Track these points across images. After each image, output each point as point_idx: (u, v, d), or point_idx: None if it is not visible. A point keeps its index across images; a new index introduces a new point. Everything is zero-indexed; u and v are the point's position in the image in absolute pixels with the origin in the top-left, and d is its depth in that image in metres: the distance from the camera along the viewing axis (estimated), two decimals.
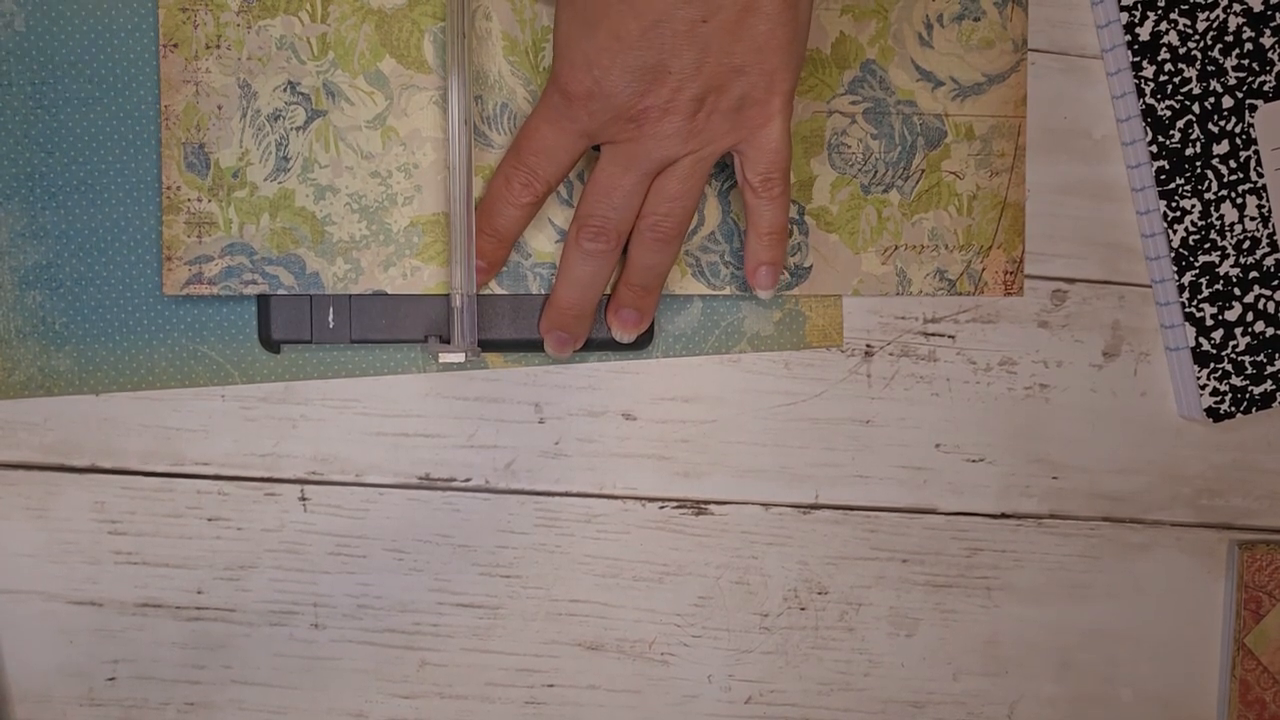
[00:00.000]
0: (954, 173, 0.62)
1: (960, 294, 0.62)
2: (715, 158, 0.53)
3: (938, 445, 0.63)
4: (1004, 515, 0.64)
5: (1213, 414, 0.63)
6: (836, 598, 0.63)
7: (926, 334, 0.63)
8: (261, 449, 0.59)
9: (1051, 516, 0.64)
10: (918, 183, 0.61)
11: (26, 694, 0.58)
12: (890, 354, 0.63)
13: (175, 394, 0.58)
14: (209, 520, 0.58)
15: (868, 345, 0.63)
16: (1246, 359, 0.63)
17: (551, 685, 0.61)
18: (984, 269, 0.62)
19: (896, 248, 0.61)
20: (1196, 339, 0.63)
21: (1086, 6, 0.64)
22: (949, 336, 0.63)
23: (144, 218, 0.57)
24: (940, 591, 0.64)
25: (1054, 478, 0.64)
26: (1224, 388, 0.63)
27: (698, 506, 0.62)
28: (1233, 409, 0.63)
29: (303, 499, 0.59)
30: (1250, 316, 0.63)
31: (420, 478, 0.60)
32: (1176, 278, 0.63)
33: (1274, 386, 0.64)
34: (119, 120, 0.56)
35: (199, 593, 0.58)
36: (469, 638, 0.60)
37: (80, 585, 0.58)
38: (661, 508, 0.62)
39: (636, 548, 0.61)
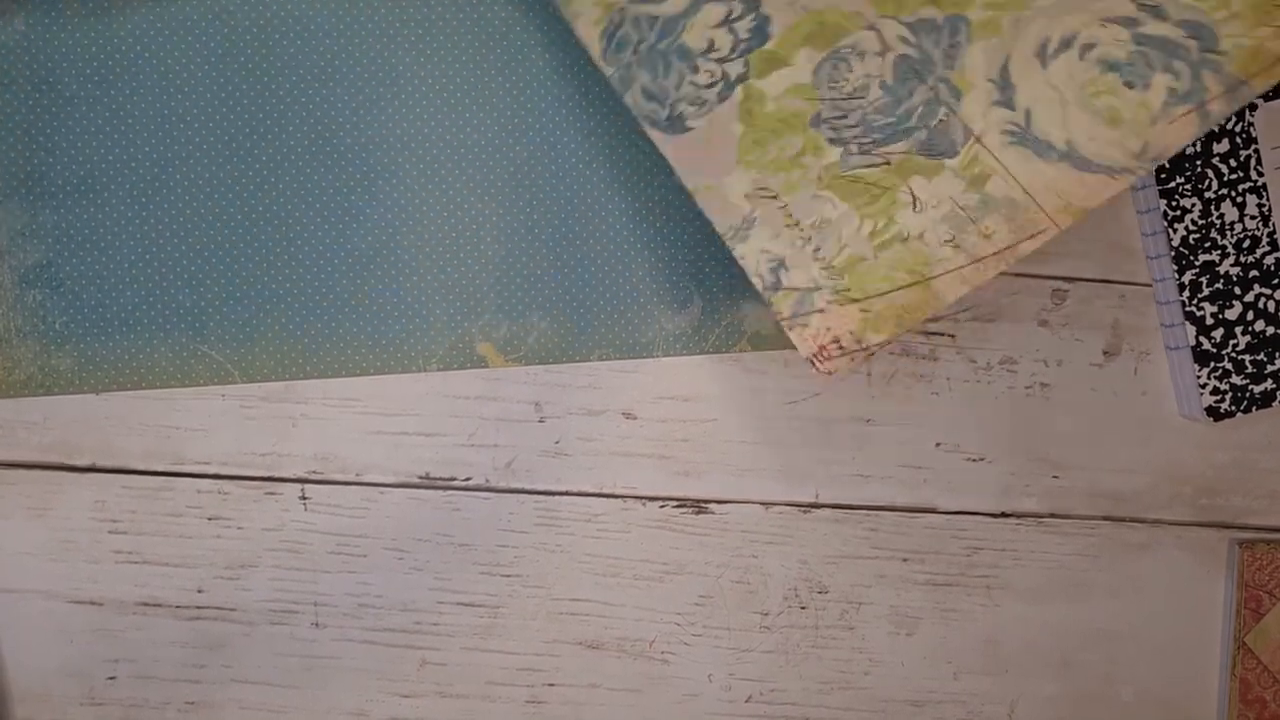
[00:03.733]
0: None
1: None
2: None
3: (938, 444, 0.63)
4: (1004, 514, 0.64)
5: (1213, 413, 0.63)
6: (837, 597, 0.63)
7: (927, 333, 0.63)
8: (262, 448, 0.59)
9: (1051, 516, 0.64)
10: None
11: (26, 693, 0.58)
12: (890, 353, 0.63)
13: (175, 393, 0.58)
14: (209, 519, 0.58)
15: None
16: (1247, 358, 0.63)
17: (552, 684, 0.61)
18: None
19: None
20: (1197, 338, 0.63)
21: None
22: (949, 335, 0.63)
23: (144, 217, 0.57)
24: (940, 590, 0.64)
25: (1054, 477, 0.64)
26: (1224, 386, 0.63)
27: (698, 505, 0.62)
28: (1233, 408, 0.63)
29: (303, 498, 0.59)
30: (1250, 315, 0.63)
31: (420, 477, 0.60)
32: (1177, 276, 0.63)
33: (1274, 385, 0.64)
34: (119, 120, 0.56)
35: (199, 592, 0.58)
36: (469, 637, 0.60)
37: (80, 584, 0.58)
38: (662, 507, 0.61)
39: (637, 547, 0.61)
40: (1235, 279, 0.63)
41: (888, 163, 0.51)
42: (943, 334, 0.63)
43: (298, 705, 0.59)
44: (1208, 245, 0.63)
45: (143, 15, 0.56)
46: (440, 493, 0.60)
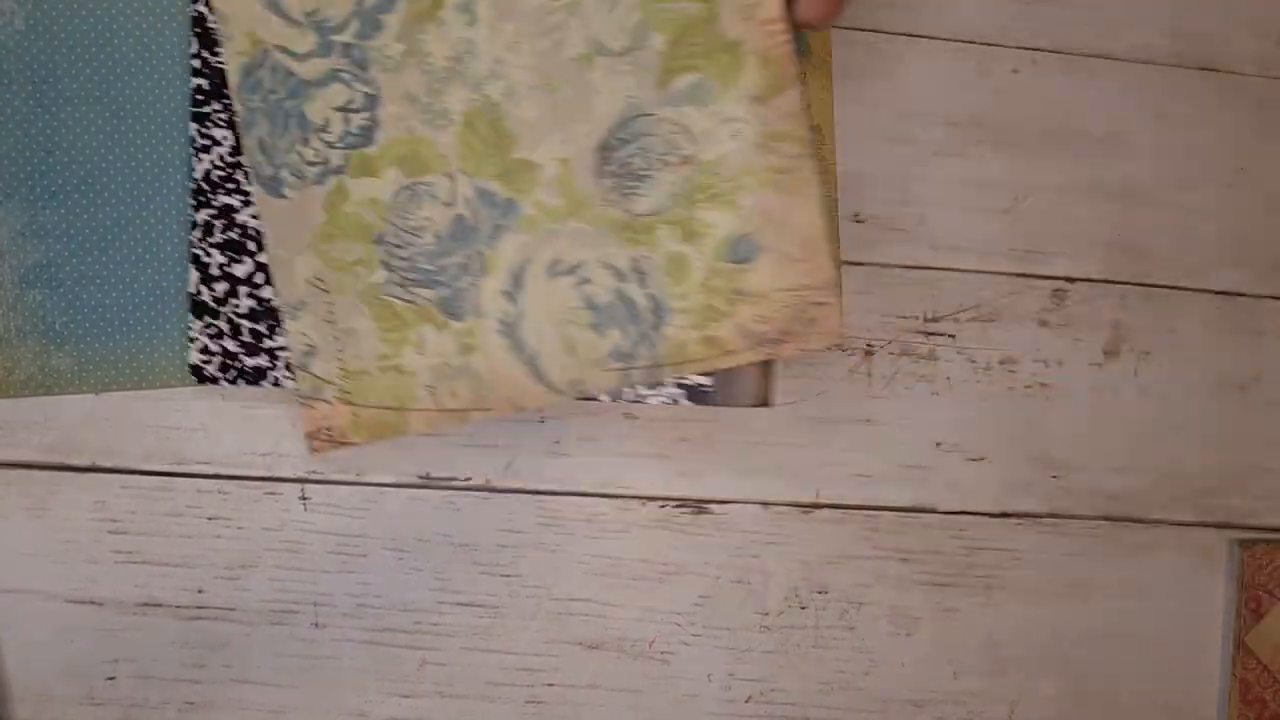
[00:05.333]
0: None
1: None
2: None
3: (938, 444, 0.63)
4: (1004, 514, 0.64)
5: (198, 373, 0.57)
6: (837, 596, 0.63)
7: (927, 333, 0.63)
8: (262, 448, 0.59)
9: (1051, 516, 0.64)
10: None
11: (26, 694, 0.58)
12: (891, 353, 0.63)
13: (175, 393, 0.58)
14: (209, 519, 0.58)
15: (868, 344, 0.63)
16: (246, 324, 0.57)
17: (552, 684, 0.61)
18: None
19: None
20: (198, 286, 0.57)
21: (1088, 5, 0.64)
22: (949, 335, 0.63)
23: (144, 216, 0.57)
24: (940, 590, 0.64)
25: (1054, 477, 0.64)
26: (215, 348, 0.57)
27: (698, 506, 0.62)
28: (220, 374, 0.57)
29: (303, 498, 0.59)
30: (261, 278, 0.57)
31: (420, 477, 0.60)
32: (193, 212, 0.57)
33: (269, 363, 0.57)
34: (119, 119, 0.56)
35: (199, 592, 0.58)
36: (469, 637, 0.60)
37: (80, 585, 0.58)
38: (662, 507, 0.61)
39: (637, 547, 0.61)
40: (254, 233, 0.57)
41: (414, 302, 0.55)
42: (943, 334, 0.63)
43: (298, 705, 0.59)
44: (230, 187, 0.57)
45: (142, 15, 0.56)
46: (440, 493, 0.60)
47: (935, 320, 0.63)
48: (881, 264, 0.63)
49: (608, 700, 0.61)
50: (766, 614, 0.62)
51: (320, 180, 0.54)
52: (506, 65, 0.53)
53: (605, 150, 0.53)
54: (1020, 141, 0.64)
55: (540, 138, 0.53)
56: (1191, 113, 0.65)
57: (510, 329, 0.54)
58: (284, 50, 0.54)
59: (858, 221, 0.63)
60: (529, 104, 0.53)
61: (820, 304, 0.52)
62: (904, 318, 0.63)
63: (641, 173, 0.53)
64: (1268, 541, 0.65)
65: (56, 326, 0.56)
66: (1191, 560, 0.66)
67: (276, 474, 0.59)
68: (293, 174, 0.55)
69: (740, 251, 0.53)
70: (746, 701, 0.63)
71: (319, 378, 0.55)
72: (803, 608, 0.63)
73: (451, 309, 0.55)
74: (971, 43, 0.64)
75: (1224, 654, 0.66)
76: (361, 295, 0.55)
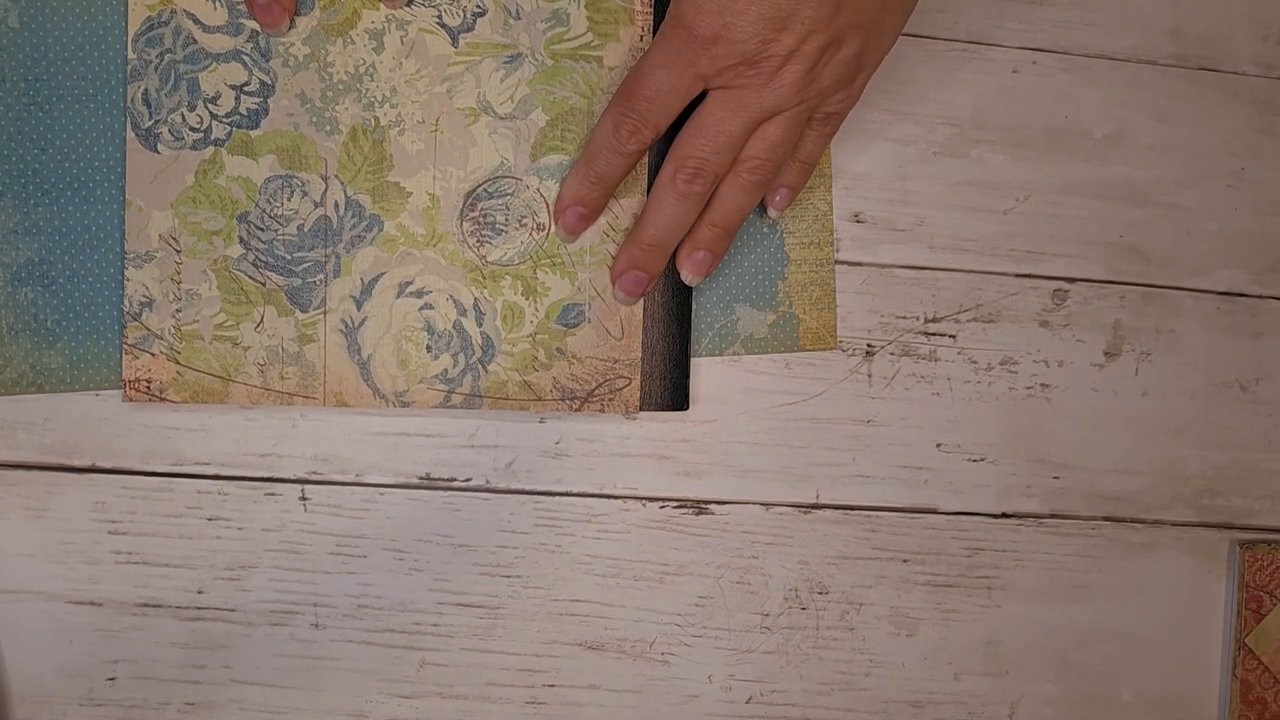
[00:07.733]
0: None
1: None
2: (815, 110, 0.54)
3: (939, 445, 0.63)
4: (1005, 515, 0.64)
5: None
6: (837, 597, 0.63)
7: (927, 333, 0.63)
8: (262, 449, 0.59)
9: (1052, 516, 0.64)
10: None
11: (26, 694, 0.57)
12: (891, 353, 0.63)
13: None
14: (209, 520, 0.58)
15: (869, 345, 0.62)
16: None
17: (552, 685, 0.61)
18: None
19: None
20: None
21: (1088, 5, 0.64)
22: (950, 336, 0.63)
23: None
24: (941, 591, 0.64)
25: (1055, 477, 0.64)
26: None
27: (698, 506, 0.62)
28: None
29: (303, 499, 0.59)
30: None
31: (420, 477, 0.60)
32: None
33: None
34: (113, 117, 0.56)
35: (199, 592, 0.58)
36: (469, 637, 0.60)
37: (80, 585, 0.58)
38: (662, 507, 0.61)
39: (637, 547, 0.61)
40: None
41: (264, 284, 0.57)
42: (943, 334, 0.63)
43: (298, 706, 0.59)
44: None
45: None
46: (440, 493, 0.60)
47: (935, 320, 0.63)
48: (881, 264, 0.63)
49: (608, 701, 0.61)
50: (767, 615, 0.62)
51: (197, 147, 0.57)
52: (400, 96, 0.57)
53: (472, 198, 0.58)
54: (1020, 141, 0.64)
55: (416, 169, 0.58)
56: (1191, 113, 0.65)
57: (350, 331, 0.58)
58: (192, 17, 0.56)
59: (858, 221, 0.63)
60: (412, 136, 0.58)
61: (624, 378, 0.59)
62: (904, 318, 0.63)
63: (499, 227, 0.58)
64: (1268, 541, 0.65)
65: (48, 324, 0.56)
66: (1192, 560, 0.66)
67: (276, 474, 0.59)
68: (171, 132, 0.57)
69: (569, 317, 0.59)
70: (747, 702, 0.63)
71: (150, 330, 0.56)
72: (803, 609, 0.63)
73: (298, 299, 0.57)
74: (971, 43, 0.64)
75: (1224, 654, 0.66)
76: (213, 264, 0.57)
